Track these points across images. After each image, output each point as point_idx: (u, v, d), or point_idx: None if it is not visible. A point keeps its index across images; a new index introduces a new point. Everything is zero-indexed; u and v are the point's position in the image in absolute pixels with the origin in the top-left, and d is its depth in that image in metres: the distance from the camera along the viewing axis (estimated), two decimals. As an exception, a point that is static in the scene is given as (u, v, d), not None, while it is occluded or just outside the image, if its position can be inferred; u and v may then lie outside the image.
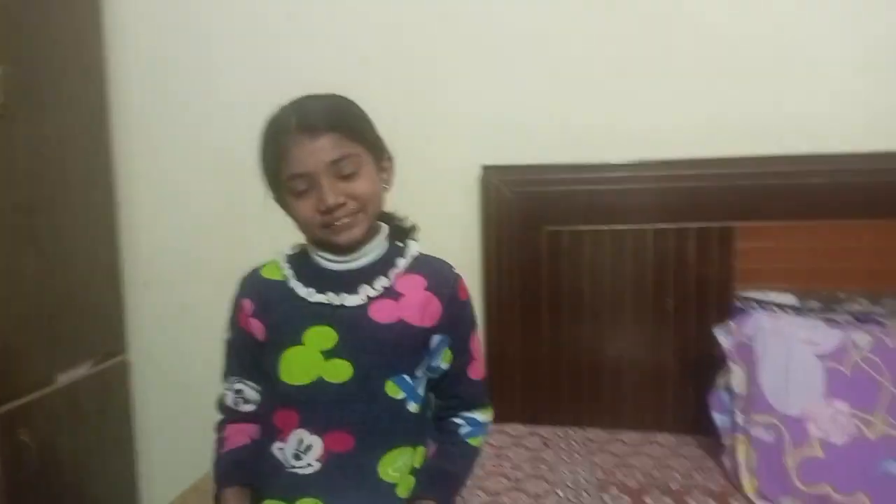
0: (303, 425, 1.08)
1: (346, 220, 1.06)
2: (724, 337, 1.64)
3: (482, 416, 1.24)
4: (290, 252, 1.17)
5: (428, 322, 1.11)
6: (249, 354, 1.14)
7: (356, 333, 1.07)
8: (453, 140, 1.92)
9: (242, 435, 1.16)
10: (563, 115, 1.86)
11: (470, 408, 1.22)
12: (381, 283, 1.10)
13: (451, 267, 1.19)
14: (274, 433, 1.11)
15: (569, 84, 1.86)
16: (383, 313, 1.09)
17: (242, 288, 1.16)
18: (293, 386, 1.08)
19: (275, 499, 1.10)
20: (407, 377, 1.11)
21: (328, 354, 1.06)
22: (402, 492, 1.11)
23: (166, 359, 2.07)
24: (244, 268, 2.07)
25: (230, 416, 1.18)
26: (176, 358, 2.04)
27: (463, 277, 1.19)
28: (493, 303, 1.90)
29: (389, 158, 1.16)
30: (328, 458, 1.07)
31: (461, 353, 1.17)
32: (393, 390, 1.10)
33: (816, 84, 1.78)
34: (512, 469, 1.63)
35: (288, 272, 1.12)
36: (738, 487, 1.50)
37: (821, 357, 1.52)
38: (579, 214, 1.85)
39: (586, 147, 1.84)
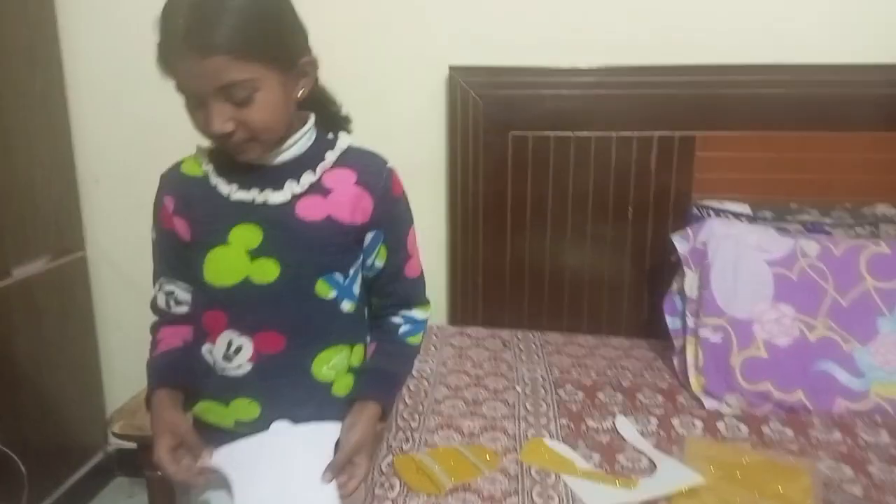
0: (231, 326, 1.04)
1: (237, 147, 0.97)
2: (680, 243, 1.68)
3: (420, 313, 1.18)
4: (213, 145, 1.05)
5: (359, 218, 1.05)
6: (175, 254, 1.08)
7: (283, 232, 1.01)
8: (421, 40, 1.86)
9: (176, 337, 1.11)
10: (534, 17, 1.82)
11: (408, 306, 1.16)
12: (308, 178, 1.03)
13: (384, 160, 1.10)
14: (203, 335, 1.08)
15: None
16: (311, 210, 1.02)
17: (162, 185, 1.08)
18: (219, 287, 1.03)
19: (209, 400, 1.08)
20: (339, 275, 1.06)
21: (254, 254, 1.02)
22: (339, 390, 1.09)
23: (123, 255, 2.05)
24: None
25: (163, 318, 1.13)
26: (133, 254, 2.01)
27: (396, 171, 1.11)
28: (457, 205, 1.91)
29: (309, 61, 1.02)
30: (259, 359, 1.04)
31: (396, 250, 1.11)
32: (324, 289, 1.05)
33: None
34: (473, 367, 1.68)
35: (207, 168, 1.04)
36: (685, 385, 1.58)
37: (770, 263, 1.59)
38: (545, 120, 1.84)
39: (554, 51, 1.81)
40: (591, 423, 1.43)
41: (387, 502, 1.15)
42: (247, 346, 1.04)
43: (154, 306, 1.14)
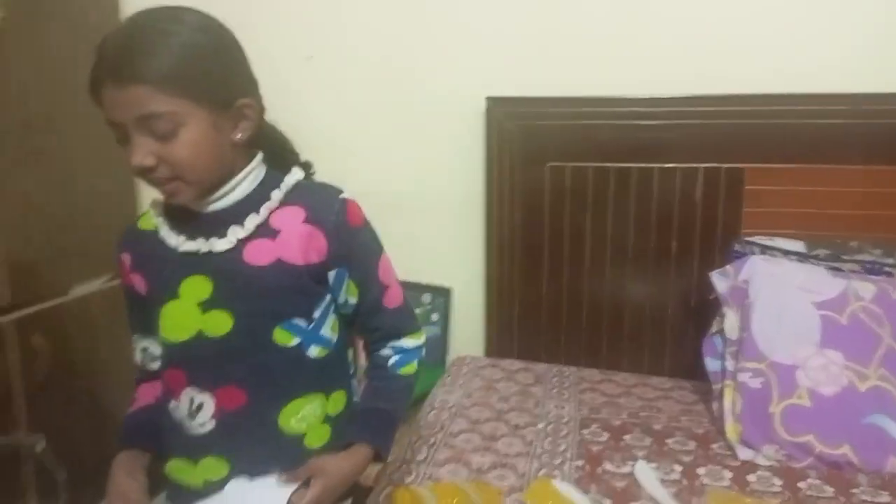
0: (191, 384, 1.00)
1: (163, 185, 0.93)
2: (719, 280, 1.59)
3: (411, 342, 1.11)
4: (163, 206, 1.01)
5: (314, 258, 0.98)
6: (140, 310, 1.04)
7: (232, 281, 0.96)
8: (458, 71, 1.87)
9: (149, 394, 1.09)
10: (572, 48, 1.80)
11: (396, 336, 1.10)
12: (253, 221, 0.97)
13: (336, 192, 1.02)
14: (169, 392, 1.04)
15: (576, 16, 1.79)
16: (259, 255, 0.96)
17: (119, 242, 1.06)
18: (175, 343, 1.00)
19: (179, 458, 1.04)
20: (300, 321, 1.00)
21: (205, 306, 0.97)
22: (313, 442, 1.04)
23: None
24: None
25: (140, 375, 1.12)
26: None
27: (353, 201, 1.03)
28: (494, 236, 1.89)
29: (248, 104, 0.96)
30: (222, 416, 0.99)
31: (368, 284, 1.05)
32: (283, 337, 0.99)
33: (836, 23, 1.67)
34: (498, 401, 1.65)
35: (158, 220, 1.00)
36: (722, 433, 1.48)
37: (818, 305, 1.47)
38: (584, 151, 1.80)
39: (594, 81, 1.77)
40: (609, 466, 1.36)
41: (379, 535, 1.14)
42: (208, 402, 0.99)
43: (135, 363, 1.13)
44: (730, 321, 1.56)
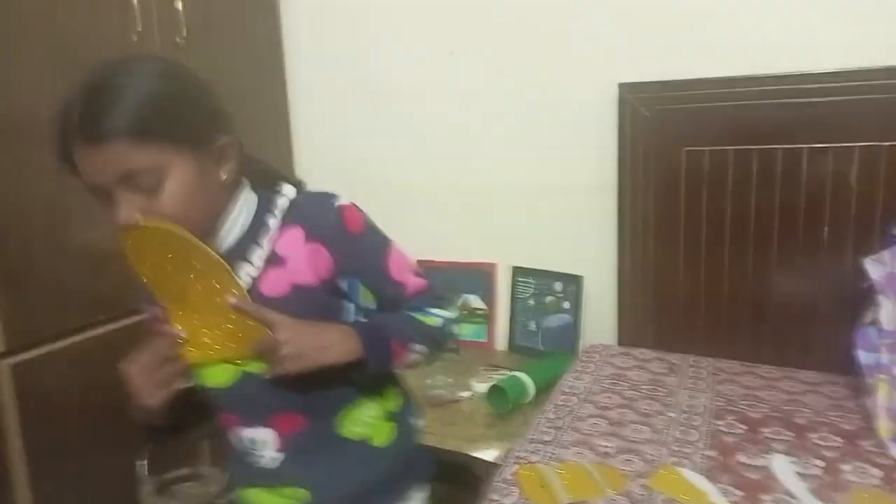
0: (245, 424, 1.01)
1: None
2: (874, 267, 1.48)
3: (441, 313, 1.05)
4: None
5: (324, 274, 0.96)
6: None
7: None
8: (589, 60, 1.87)
9: None
10: (704, 26, 1.73)
11: (425, 311, 1.04)
12: (259, 256, 0.95)
13: (330, 200, 0.98)
14: (225, 429, 1.04)
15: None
16: (275, 286, 0.95)
17: (140, 297, 0.98)
18: (221, 389, 0.98)
19: (257, 487, 1.05)
20: None
21: None
22: (380, 440, 1.06)
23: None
24: (393, 185, 2.19)
25: None
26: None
27: (350, 205, 0.98)
28: (627, 225, 1.87)
29: (227, 142, 0.93)
30: (286, 445, 1.00)
31: (382, 285, 1.02)
32: None
33: None
34: (628, 389, 1.64)
35: None
36: (873, 430, 1.38)
37: None
38: (722, 133, 1.73)
39: (729, 60, 1.70)
40: (742, 458, 1.31)
41: (503, 508, 1.19)
42: (269, 437, 1.00)
43: None
44: (885, 311, 1.44)
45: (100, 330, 1.68)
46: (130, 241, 0.88)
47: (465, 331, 2.12)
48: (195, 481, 1.77)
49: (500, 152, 2.03)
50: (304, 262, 0.95)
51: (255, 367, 0.95)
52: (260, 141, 2.08)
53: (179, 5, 1.83)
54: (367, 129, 2.20)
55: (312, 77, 2.26)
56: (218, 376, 0.97)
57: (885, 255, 1.47)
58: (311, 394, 0.98)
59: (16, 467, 1.53)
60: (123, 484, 1.73)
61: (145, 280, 0.92)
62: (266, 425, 1.00)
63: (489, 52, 1.99)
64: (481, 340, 2.12)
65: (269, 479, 1.03)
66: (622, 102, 1.82)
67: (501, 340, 2.12)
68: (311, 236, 0.96)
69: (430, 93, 2.10)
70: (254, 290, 0.94)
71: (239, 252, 0.95)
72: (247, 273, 0.95)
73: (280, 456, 1.01)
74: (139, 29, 1.74)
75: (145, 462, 1.73)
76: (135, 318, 1.75)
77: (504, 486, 1.25)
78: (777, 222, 1.73)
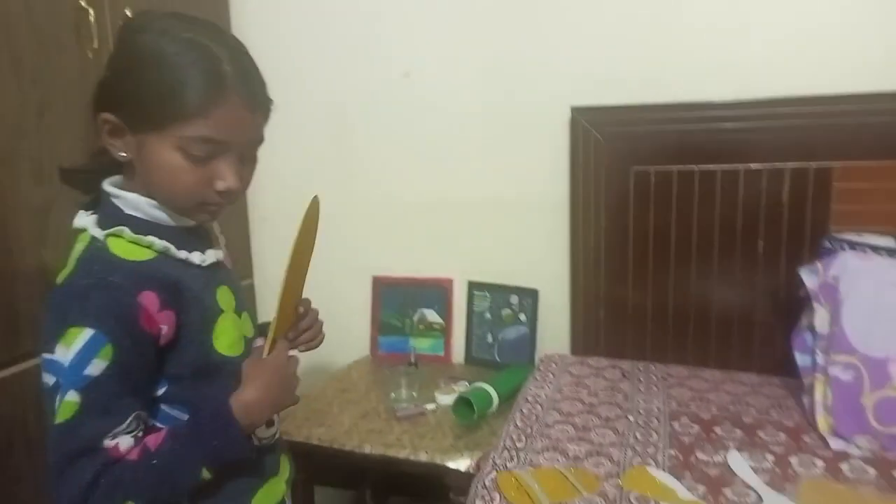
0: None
1: (217, 207, 0.93)
2: (808, 277, 1.62)
3: None
4: (125, 225, 0.89)
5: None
6: (150, 367, 0.88)
7: (234, 283, 1.02)
8: (544, 83, 1.97)
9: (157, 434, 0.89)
10: (654, 54, 1.86)
11: None
12: (216, 228, 1.05)
13: None
14: None
15: (657, 22, 1.85)
16: (227, 260, 1.06)
17: (128, 288, 0.84)
18: (234, 357, 0.95)
19: (267, 480, 1.03)
20: None
21: (237, 311, 0.99)
22: None
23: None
24: (351, 201, 2.22)
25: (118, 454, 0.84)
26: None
27: None
28: (579, 239, 1.97)
29: None
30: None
31: None
32: None
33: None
34: (588, 395, 1.72)
35: (161, 244, 0.90)
36: (813, 425, 1.51)
37: (911, 299, 1.48)
38: (668, 154, 1.85)
39: (676, 86, 1.83)
40: (701, 455, 1.41)
41: (486, 513, 1.23)
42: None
43: (112, 459, 0.83)
44: (820, 316, 1.58)
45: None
46: (312, 210, 0.96)
47: (423, 345, 2.16)
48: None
49: (457, 170, 2.09)
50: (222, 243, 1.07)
51: (248, 331, 1.00)
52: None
53: (135, 22, 1.81)
54: (323, 146, 2.22)
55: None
56: (236, 344, 0.96)
57: (819, 265, 1.62)
58: None
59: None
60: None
61: (296, 252, 0.94)
62: None
63: (445, 74, 2.05)
64: (439, 354, 2.17)
65: (272, 465, 1.03)
66: (574, 124, 1.92)
67: (458, 353, 2.17)
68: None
69: (385, 111, 2.14)
70: (223, 261, 1.01)
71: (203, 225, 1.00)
72: (220, 242, 1.03)
73: (274, 427, 1.02)
74: (95, 46, 1.71)
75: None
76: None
77: (485, 492, 1.29)
78: (717, 236, 1.86)
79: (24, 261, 1.56)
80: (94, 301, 0.82)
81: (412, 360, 2.05)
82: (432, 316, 2.18)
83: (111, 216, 0.90)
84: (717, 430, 1.52)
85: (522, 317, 2.06)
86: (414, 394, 1.85)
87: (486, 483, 1.32)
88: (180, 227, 0.93)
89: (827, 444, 1.44)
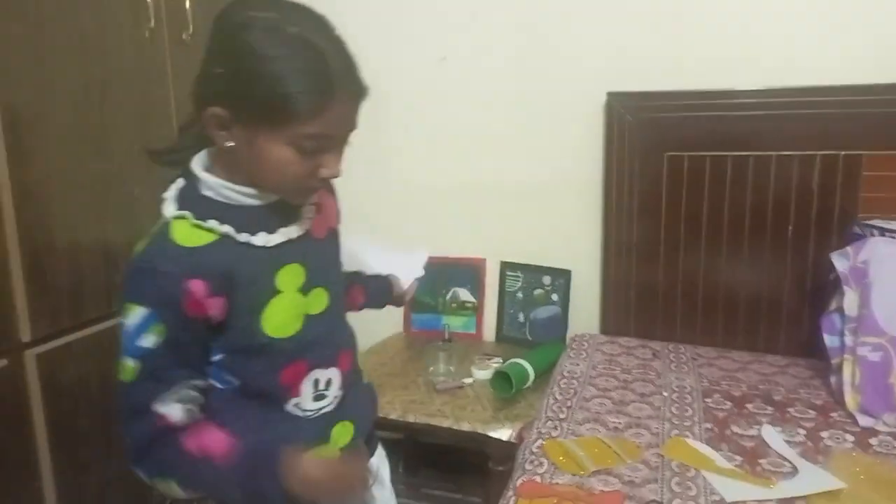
0: (313, 367, 1.01)
1: (312, 193, 0.98)
2: (839, 261, 1.68)
3: None
4: (189, 209, 0.92)
5: (339, 221, 1.12)
6: (198, 347, 0.93)
7: (315, 258, 1.01)
8: (581, 69, 2.02)
9: (219, 436, 0.94)
10: (688, 41, 1.91)
11: None
12: (310, 201, 1.03)
13: None
14: (280, 398, 1.00)
15: (694, 10, 1.90)
16: (319, 229, 1.04)
17: (175, 273, 0.88)
18: (287, 338, 0.97)
19: (327, 444, 1.05)
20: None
21: (304, 289, 0.99)
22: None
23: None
24: (387, 183, 2.27)
25: (174, 432, 0.92)
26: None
27: None
28: (612, 223, 2.02)
29: None
30: (344, 382, 1.05)
31: None
32: (347, 294, 1.15)
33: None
34: (622, 373, 1.79)
35: (224, 228, 0.92)
36: (840, 403, 1.58)
37: (939, 283, 1.54)
38: (701, 141, 1.91)
39: (711, 73, 1.88)
40: (736, 429, 1.48)
41: (535, 477, 1.30)
42: (335, 375, 1.04)
43: (162, 427, 0.91)
44: (849, 299, 1.64)
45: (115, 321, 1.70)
46: None
47: (455, 322, 2.23)
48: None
49: (493, 152, 2.15)
50: (331, 209, 1.09)
51: (314, 309, 1.01)
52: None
53: (187, 4, 1.86)
54: (360, 130, 2.27)
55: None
56: (287, 325, 0.97)
57: (849, 249, 1.68)
58: (352, 334, 1.11)
59: (41, 454, 1.53)
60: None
61: None
62: (333, 364, 1.04)
63: (482, 58, 2.10)
64: (470, 332, 2.24)
65: (325, 428, 1.04)
66: (609, 109, 1.97)
67: (490, 331, 2.24)
68: (328, 189, 1.08)
69: (422, 95, 2.19)
70: (310, 234, 1.01)
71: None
72: (307, 215, 1.01)
73: (340, 394, 1.05)
74: (151, 25, 1.76)
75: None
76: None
77: (534, 457, 1.36)
78: (748, 222, 1.92)
79: (87, 234, 1.62)
80: (145, 286, 0.88)
81: (446, 336, 2.12)
82: (465, 295, 2.24)
83: (187, 194, 0.94)
84: (750, 406, 1.59)
85: (555, 297, 2.12)
86: (451, 368, 1.92)
87: (534, 449, 1.39)
88: (263, 205, 0.95)
89: (855, 421, 1.50)
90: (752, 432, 1.47)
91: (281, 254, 0.96)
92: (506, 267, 2.20)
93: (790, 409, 1.57)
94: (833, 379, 1.65)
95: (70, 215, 1.58)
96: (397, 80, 2.19)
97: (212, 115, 0.88)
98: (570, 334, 2.11)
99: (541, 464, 1.34)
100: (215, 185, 0.93)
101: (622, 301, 2.06)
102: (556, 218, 2.12)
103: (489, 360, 1.98)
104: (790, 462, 1.34)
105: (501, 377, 1.79)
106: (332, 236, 1.08)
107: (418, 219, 2.26)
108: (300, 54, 0.85)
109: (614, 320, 2.08)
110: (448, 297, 2.26)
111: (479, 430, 1.65)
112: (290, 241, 0.97)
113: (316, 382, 1.01)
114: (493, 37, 2.08)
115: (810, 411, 1.56)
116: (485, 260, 2.23)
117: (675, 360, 1.87)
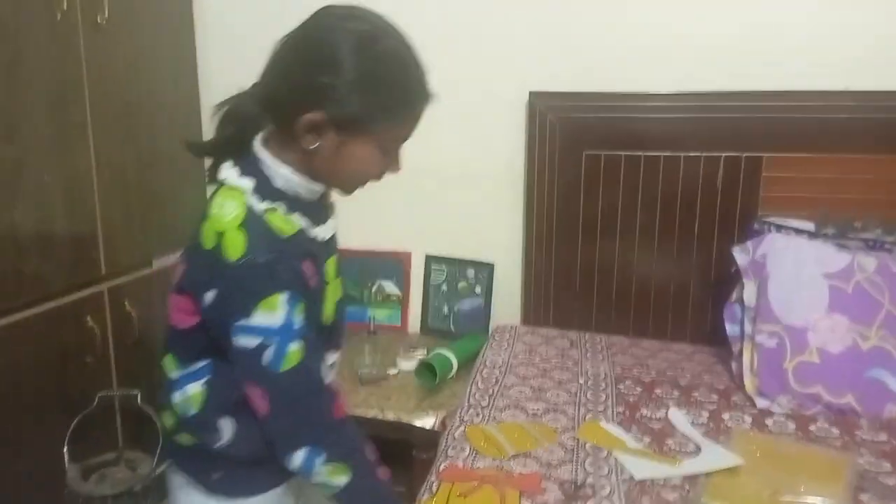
0: (330, 349, 1.11)
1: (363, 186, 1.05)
2: (740, 255, 1.80)
3: None
4: (283, 203, 0.98)
5: None
6: (316, 317, 1.04)
7: (338, 253, 1.12)
8: (505, 68, 2.07)
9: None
10: (605, 46, 2.00)
11: None
12: (329, 200, 1.12)
13: None
14: None
15: (611, 18, 1.99)
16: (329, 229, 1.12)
17: (299, 252, 0.97)
18: (327, 322, 1.07)
19: None
20: None
21: (335, 279, 1.10)
22: None
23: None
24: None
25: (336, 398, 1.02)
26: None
27: None
28: (533, 216, 2.09)
29: None
30: (334, 365, 1.14)
31: None
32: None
33: (848, 20, 1.86)
34: (541, 361, 1.86)
35: (300, 221, 1.00)
36: (741, 387, 1.69)
37: (826, 276, 1.68)
38: (617, 140, 2.00)
39: (627, 77, 1.97)
40: (645, 412, 1.57)
41: (458, 461, 1.34)
42: (338, 359, 1.15)
43: (326, 385, 1.00)
44: (748, 291, 1.77)
45: (25, 313, 1.63)
46: None
47: (381, 315, 2.25)
48: (121, 465, 1.76)
49: (417, 145, 2.15)
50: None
51: (339, 296, 1.10)
52: (170, 122, 2.11)
53: (102, -15, 1.81)
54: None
55: (223, 63, 2.27)
56: (330, 310, 1.06)
57: (749, 244, 1.80)
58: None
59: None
60: (50, 468, 1.70)
61: None
62: (339, 348, 1.13)
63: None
64: (395, 324, 2.26)
65: None
66: (532, 107, 2.04)
67: (415, 323, 2.27)
68: None
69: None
70: (332, 241, 1.09)
71: (324, 197, 1.08)
72: (333, 217, 1.10)
73: (334, 375, 1.12)
74: (64, 8, 1.70)
75: (65, 449, 1.70)
76: (59, 301, 1.72)
77: (456, 443, 1.40)
78: (658, 218, 2.02)
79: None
80: (281, 272, 0.93)
81: (371, 328, 2.13)
82: (390, 287, 2.27)
83: (265, 187, 0.97)
84: (658, 391, 1.68)
85: (478, 289, 2.17)
86: (377, 360, 1.94)
87: (456, 436, 1.43)
88: (315, 200, 1.03)
89: (753, 403, 1.62)
90: (660, 415, 1.56)
91: (328, 247, 1.05)
92: (431, 260, 2.24)
93: (695, 393, 1.67)
94: (734, 364, 1.77)
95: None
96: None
97: (308, 121, 0.92)
98: (492, 325, 2.17)
99: (463, 449, 1.38)
100: (291, 182, 0.98)
101: (542, 293, 2.13)
102: (480, 211, 2.17)
103: (414, 351, 2.01)
104: (694, 442, 1.43)
105: (426, 368, 1.82)
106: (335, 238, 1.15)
107: (342, 211, 2.25)
108: (407, 64, 0.94)
109: (534, 312, 2.15)
110: (373, 289, 2.27)
111: (404, 420, 1.68)
112: (326, 239, 1.05)
113: (332, 366, 1.11)
114: (423, 35, 2.09)
115: (713, 395, 1.67)
116: (410, 253, 2.26)
117: (590, 349, 1.96)
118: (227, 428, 1.01)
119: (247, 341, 0.92)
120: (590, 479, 1.28)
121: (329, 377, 1.02)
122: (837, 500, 1.20)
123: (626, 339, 2.04)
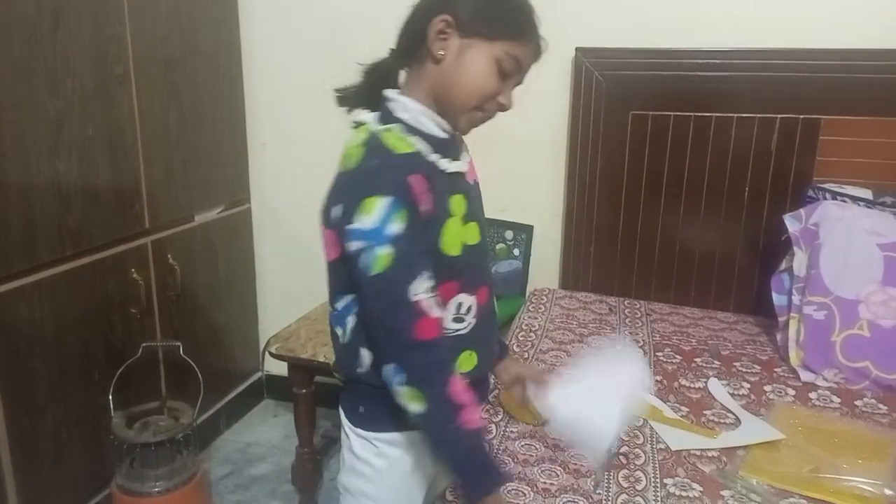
0: (461, 291, 1.08)
1: (483, 122, 1.06)
2: (792, 223, 1.73)
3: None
4: (402, 126, 1.03)
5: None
6: (426, 239, 1.02)
7: (471, 195, 1.10)
8: (550, 22, 1.98)
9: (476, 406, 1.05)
10: (656, 1, 1.91)
11: None
12: (465, 146, 1.13)
13: None
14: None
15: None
16: (472, 174, 1.13)
17: (410, 164, 0.99)
18: (452, 256, 1.05)
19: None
20: None
21: (465, 220, 1.06)
22: None
23: (282, 208, 2.37)
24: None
25: (442, 338, 1.01)
26: (290, 208, 2.35)
27: None
28: (575, 177, 2.04)
29: None
30: (479, 312, 1.11)
31: None
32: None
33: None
34: (578, 326, 1.83)
35: (421, 146, 1.02)
36: (785, 359, 1.65)
37: (882, 247, 1.61)
38: (665, 100, 1.92)
39: (676, 33, 1.88)
40: (684, 382, 1.54)
41: (491, 426, 1.34)
42: (473, 303, 1.10)
43: (421, 320, 0.98)
44: (798, 260, 1.70)
45: (71, 264, 1.67)
46: None
47: (418, 274, 2.24)
48: (164, 414, 1.81)
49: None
50: (473, 166, 1.14)
51: (469, 240, 1.08)
52: (212, 78, 2.10)
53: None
54: (323, 74, 2.23)
55: (265, 19, 2.24)
56: (454, 245, 1.05)
57: (802, 212, 1.73)
58: (491, 274, 1.19)
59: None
60: (95, 416, 1.76)
61: None
62: (475, 293, 1.11)
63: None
64: (432, 284, 2.25)
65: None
66: (578, 64, 1.97)
67: (451, 284, 2.26)
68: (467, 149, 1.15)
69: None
70: (466, 175, 1.10)
71: (458, 138, 1.10)
72: (467, 157, 1.12)
73: (473, 322, 1.11)
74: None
75: (110, 397, 1.76)
76: (104, 254, 1.76)
77: (490, 408, 1.40)
78: (706, 182, 1.95)
79: (39, 174, 1.57)
80: (385, 176, 0.97)
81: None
82: (428, 247, 2.25)
83: (386, 117, 1.04)
84: (698, 360, 1.65)
85: (516, 251, 2.14)
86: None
87: (490, 399, 1.43)
88: (442, 137, 1.05)
89: (797, 376, 1.57)
90: (699, 385, 1.53)
91: (452, 182, 1.05)
92: (469, 220, 2.20)
93: (736, 364, 1.63)
94: (779, 336, 1.72)
95: (21, 153, 1.53)
96: (365, 22, 2.14)
97: (441, 21, 0.98)
98: (530, 288, 2.14)
99: (496, 413, 1.38)
100: (412, 109, 1.03)
101: (581, 257, 2.10)
102: (520, 171, 2.13)
103: (450, 311, 2.00)
104: (734, 413, 1.40)
105: (461, 328, 1.81)
106: (478, 186, 1.14)
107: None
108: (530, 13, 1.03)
109: (573, 275, 2.12)
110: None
111: (438, 380, 1.68)
112: (458, 174, 1.07)
113: (459, 305, 1.08)
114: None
115: (755, 366, 1.63)
116: (448, 213, 2.23)
117: (629, 315, 1.92)
118: (366, 356, 1.06)
119: (351, 246, 0.97)
120: (624, 448, 1.27)
121: (467, 321, 1.08)
122: (882, 481, 1.16)
123: (667, 306, 2.00)
